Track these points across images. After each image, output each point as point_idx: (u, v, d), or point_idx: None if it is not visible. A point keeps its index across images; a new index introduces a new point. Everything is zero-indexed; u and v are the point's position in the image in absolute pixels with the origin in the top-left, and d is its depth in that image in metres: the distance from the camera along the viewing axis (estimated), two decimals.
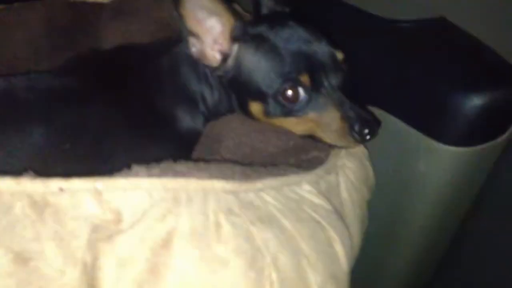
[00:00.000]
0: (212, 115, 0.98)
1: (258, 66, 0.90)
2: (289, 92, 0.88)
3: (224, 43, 0.91)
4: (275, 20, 0.94)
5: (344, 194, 0.88)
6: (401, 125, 1.04)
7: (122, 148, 0.88)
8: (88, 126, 0.87)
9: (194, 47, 0.91)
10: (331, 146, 0.91)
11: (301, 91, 0.88)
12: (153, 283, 0.61)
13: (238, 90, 0.94)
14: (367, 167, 0.99)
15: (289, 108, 0.89)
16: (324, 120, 0.90)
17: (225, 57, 0.92)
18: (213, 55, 0.92)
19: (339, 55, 0.92)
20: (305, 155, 0.90)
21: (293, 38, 0.90)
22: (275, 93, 0.88)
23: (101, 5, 1.12)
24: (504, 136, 1.02)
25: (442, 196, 1.08)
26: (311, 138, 0.91)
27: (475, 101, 0.96)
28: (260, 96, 0.90)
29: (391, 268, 1.24)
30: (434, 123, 1.02)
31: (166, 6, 1.10)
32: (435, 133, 1.02)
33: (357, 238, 0.90)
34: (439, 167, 1.05)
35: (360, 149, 0.97)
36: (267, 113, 0.91)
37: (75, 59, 0.97)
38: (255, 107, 0.92)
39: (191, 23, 0.88)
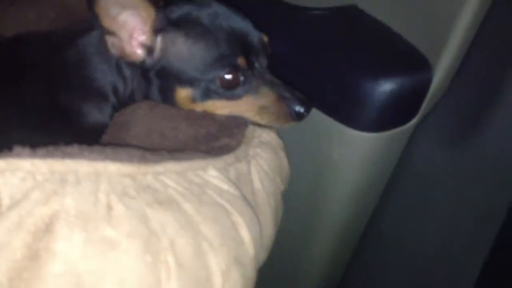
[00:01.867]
0: (122, 105, 0.92)
1: (191, 52, 0.86)
2: (228, 77, 0.86)
3: (146, 37, 0.86)
4: (196, 1, 0.91)
5: (257, 183, 0.86)
6: (314, 112, 1.03)
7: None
8: None
9: (113, 46, 0.84)
10: (260, 127, 0.90)
11: (239, 74, 0.86)
12: (33, 271, 0.56)
13: (164, 78, 0.88)
14: (281, 157, 0.97)
15: (226, 93, 0.87)
16: (260, 102, 0.89)
17: (149, 50, 0.86)
18: (135, 51, 0.86)
19: (265, 38, 0.92)
20: (216, 143, 0.87)
21: (222, 19, 0.88)
22: (211, 78, 0.86)
23: None
24: (413, 121, 1.03)
25: (356, 182, 1.09)
26: (235, 118, 0.89)
27: (384, 87, 0.97)
28: (192, 82, 0.86)
29: (308, 260, 1.24)
30: (345, 109, 1.03)
31: None
32: (346, 119, 1.03)
33: (270, 228, 0.88)
34: (352, 153, 1.06)
35: (274, 139, 0.96)
36: (195, 99, 0.88)
37: None
38: (183, 94, 0.88)
39: (107, 21, 0.82)
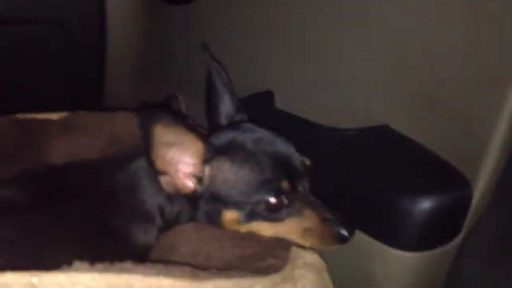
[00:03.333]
0: (167, 227, 0.94)
1: (237, 178, 0.89)
2: (273, 201, 0.87)
3: (196, 169, 0.89)
4: (240, 127, 0.96)
5: None
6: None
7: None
8: (30, 241, 0.82)
9: (167, 184, 0.88)
10: (303, 248, 0.90)
11: (283, 198, 0.88)
12: None
13: (211, 202, 0.90)
14: (326, 279, 0.95)
15: (271, 216, 0.88)
16: (304, 224, 0.89)
17: (199, 180, 0.90)
18: (186, 184, 0.90)
19: (307, 161, 0.94)
20: (262, 263, 0.87)
21: (265, 143, 0.92)
22: (257, 201, 0.87)
23: (50, 121, 1.12)
24: (457, 239, 1.02)
25: None
26: (279, 239, 0.90)
27: (423, 205, 0.97)
28: (238, 205, 0.88)
29: None
30: (385, 229, 1.02)
31: (119, 119, 1.11)
32: (387, 239, 1.02)
33: None
34: (395, 273, 1.03)
35: (318, 261, 0.95)
36: (241, 221, 0.89)
37: (24, 172, 0.95)
38: (229, 216, 0.89)
39: (161, 163, 0.86)
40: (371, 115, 1.13)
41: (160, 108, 0.88)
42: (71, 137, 1.08)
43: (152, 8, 1.61)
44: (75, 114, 1.14)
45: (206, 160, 0.89)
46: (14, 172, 1.00)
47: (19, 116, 1.12)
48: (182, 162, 0.88)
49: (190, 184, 0.89)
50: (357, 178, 1.06)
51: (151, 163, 0.85)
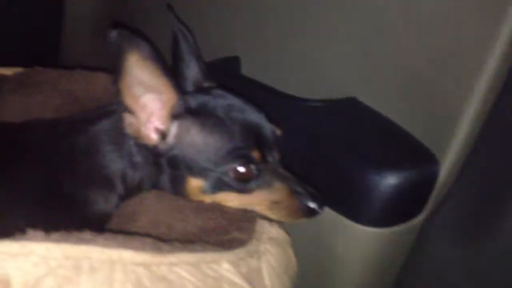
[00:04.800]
0: (129, 194, 0.89)
1: (205, 143, 0.84)
2: (241, 169, 0.84)
3: (162, 121, 0.84)
4: (210, 92, 0.91)
5: (267, 280, 0.82)
6: None
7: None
8: None
9: (130, 125, 0.82)
10: (269, 221, 0.88)
11: (253, 167, 0.84)
12: None
13: (176, 167, 0.86)
14: (289, 254, 0.94)
15: (239, 186, 0.85)
16: (273, 197, 0.87)
17: (163, 135, 0.84)
18: (149, 134, 0.84)
19: (278, 131, 0.91)
20: (225, 236, 0.84)
21: (237, 111, 0.88)
22: (224, 170, 0.83)
23: (4, 76, 1.05)
24: (420, 217, 1.02)
25: (361, 277, 1.05)
26: (244, 211, 0.87)
27: (389, 180, 0.96)
28: (203, 173, 0.84)
29: None
30: (349, 203, 1.01)
31: (74, 78, 1.05)
32: (350, 213, 1.01)
33: None
34: (357, 248, 1.02)
35: (282, 235, 0.93)
36: (206, 191, 0.85)
37: None
38: (194, 184, 0.85)
39: (129, 100, 0.80)
40: (339, 87, 1.11)
41: (142, 34, 0.80)
42: (26, 94, 1.01)
43: None
44: (30, 70, 1.07)
45: (175, 115, 0.84)
46: None
47: None
48: (149, 107, 0.82)
49: (153, 136, 0.84)
50: (323, 151, 1.04)
51: (117, 91, 0.78)
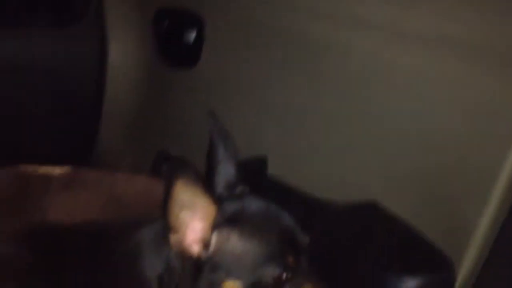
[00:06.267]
0: None
1: (244, 249, 0.90)
2: (277, 275, 0.88)
3: (204, 234, 0.89)
4: (247, 198, 0.97)
5: None
6: None
7: None
8: None
9: (174, 243, 0.88)
10: None
11: (287, 272, 0.89)
12: None
13: (213, 272, 0.90)
14: None
15: None
16: None
17: (205, 246, 0.90)
18: (192, 248, 0.89)
19: (307, 239, 0.96)
20: None
21: (272, 218, 0.93)
22: (261, 274, 0.88)
23: (50, 176, 1.14)
24: None
25: None
26: None
27: (408, 285, 1.01)
28: (241, 277, 0.89)
29: None
30: None
31: (120, 179, 1.13)
32: None
33: None
34: None
35: None
36: None
37: (26, 230, 0.96)
38: (230, 287, 0.89)
39: (173, 220, 0.85)
40: (360, 190, 1.17)
41: (185, 162, 0.88)
42: (71, 194, 1.09)
43: (154, 67, 1.65)
44: (75, 170, 1.16)
45: (215, 226, 0.90)
46: (12, 227, 1.01)
47: (20, 168, 1.13)
48: (192, 223, 0.88)
49: (195, 248, 0.89)
50: (343, 255, 1.10)
51: (164, 218, 0.84)
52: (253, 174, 1.27)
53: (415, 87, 1.09)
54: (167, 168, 0.82)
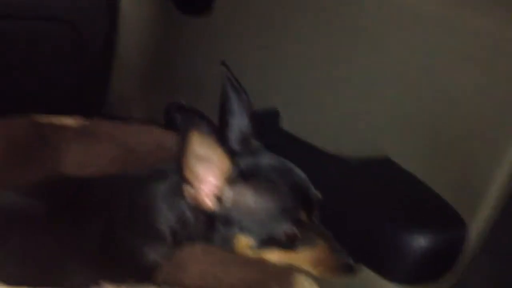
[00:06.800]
0: (179, 247, 0.96)
1: (258, 205, 0.91)
2: (290, 230, 0.90)
3: (219, 189, 0.91)
4: (260, 154, 0.98)
5: None
6: None
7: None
8: (44, 256, 0.86)
9: (189, 195, 0.90)
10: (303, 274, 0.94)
11: (299, 227, 0.91)
12: None
13: (227, 226, 0.93)
14: None
15: (285, 245, 0.91)
16: (316, 254, 0.93)
17: (219, 201, 0.92)
18: (207, 202, 0.91)
19: (319, 195, 0.97)
20: None
21: (284, 173, 0.95)
22: (273, 229, 0.90)
23: (65, 126, 1.14)
24: (447, 276, 1.07)
25: None
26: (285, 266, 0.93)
27: (419, 241, 1.01)
28: (254, 231, 0.91)
29: None
30: (378, 259, 1.07)
31: (132, 130, 1.13)
32: (379, 269, 1.06)
33: None
34: None
35: None
36: (254, 247, 0.92)
37: (41, 181, 0.97)
38: (243, 241, 0.92)
39: (188, 173, 0.87)
40: (373, 145, 1.17)
41: (199, 114, 0.88)
42: (85, 144, 1.09)
43: (166, 15, 1.62)
44: (90, 121, 1.16)
45: (230, 181, 0.91)
46: (26, 175, 1.02)
47: (35, 117, 1.13)
48: (207, 177, 0.89)
49: (210, 202, 0.91)
50: (354, 209, 1.10)
51: (179, 170, 0.86)
52: (266, 127, 1.27)
53: (433, 37, 1.06)
54: (183, 120, 0.83)
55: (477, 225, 1.02)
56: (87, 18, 1.58)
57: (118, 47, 1.66)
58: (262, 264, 0.93)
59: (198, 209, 0.91)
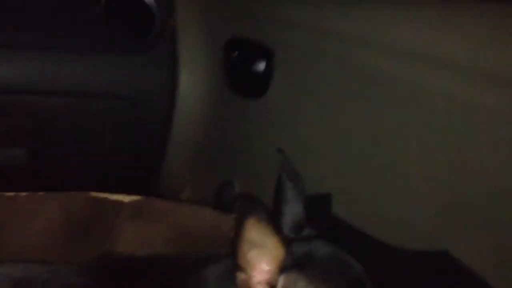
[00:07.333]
0: None
1: None
2: None
3: (272, 276, 0.88)
4: (315, 242, 0.96)
5: None
6: None
7: None
8: None
9: (241, 282, 0.87)
10: None
11: None
12: None
13: None
14: None
15: None
16: None
17: (271, 287, 0.89)
18: None
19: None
20: None
21: (341, 264, 0.92)
22: None
23: (121, 204, 1.15)
24: None
25: None
26: None
27: None
28: None
29: None
30: None
31: (187, 211, 1.14)
32: None
33: None
34: None
35: None
36: None
37: (98, 260, 0.98)
38: None
39: (242, 259, 0.85)
40: (429, 236, 1.14)
41: (256, 200, 0.88)
42: (140, 223, 1.10)
43: (222, 97, 1.66)
44: (145, 199, 1.18)
45: (283, 269, 0.88)
46: (81, 252, 1.03)
47: (92, 194, 1.16)
48: (260, 264, 0.87)
49: None
50: None
51: (233, 256, 0.84)
52: (318, 212, 1.25)
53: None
54: (239, 205, 0.82)
55: None
56: (147, 96, 1.64)
57: (174, 126, 1.70)
58: None
59: None
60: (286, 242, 0.89)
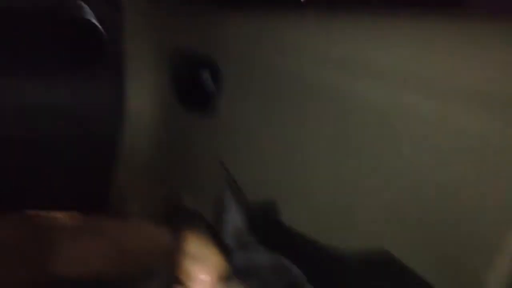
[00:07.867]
0: None
1: None
2: None
3: (211, 287, 0.90)
4: (255, 250, 0.97)
5: None
6: None
7: None
8: None
9: None
10: None
11: None
12: None
13: None
14: None
15: None
16: None
17: None
18: None
19: None
20: None
21: (280, 272, 0.94)
22: None
23: (62, 222, 1.13)
24: None
25: None
26: None
27: None
28: None
29: None
30: None
31: (128, 228, 1.12)
32: None
33: None
34: None
35: None
36: None
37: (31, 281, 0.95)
38: None
39: (179, 271, 0.87)
40: (369, 238, 1.15)
41: (194, 213, 0.89)
42: (77, 242, 1.08)
43: (169, 115, 1.66)
44: (83, 217, 1.16)
45: (224, 279, 0.90)
46: (16, 276, 1.00)
47: (27, 213, 1.13)
48: (199, 276, 0.88)
49: None
50: None
51: (172, 270, 0.86)
52: (262, 219, 1.26)
53: (431, 138, 1.07)
54: (177, 219, 0.83)
55: None
56: (93, 112, 1.63)
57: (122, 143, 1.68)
58: None
59: None
60: (226, 252, 0.90)
